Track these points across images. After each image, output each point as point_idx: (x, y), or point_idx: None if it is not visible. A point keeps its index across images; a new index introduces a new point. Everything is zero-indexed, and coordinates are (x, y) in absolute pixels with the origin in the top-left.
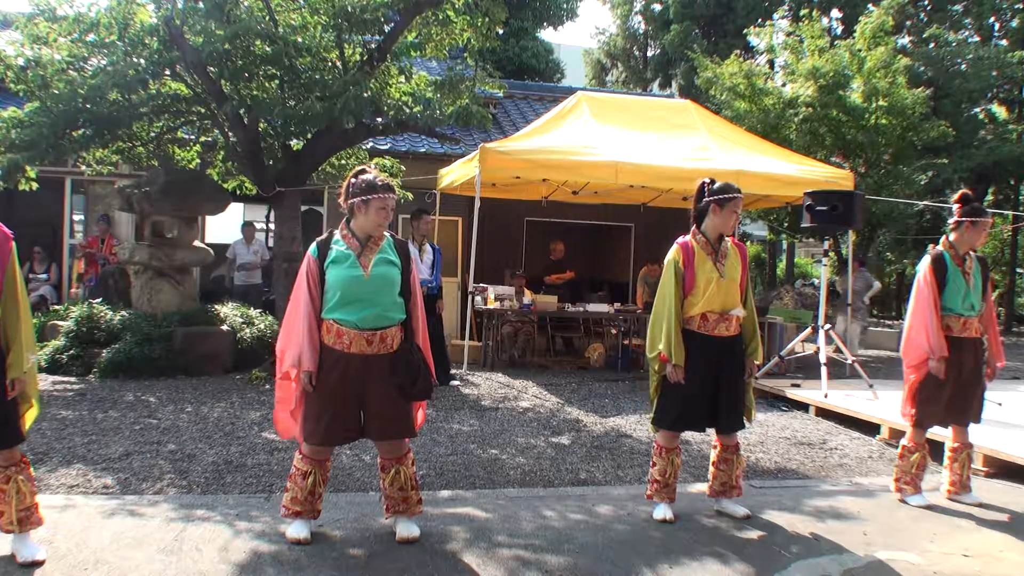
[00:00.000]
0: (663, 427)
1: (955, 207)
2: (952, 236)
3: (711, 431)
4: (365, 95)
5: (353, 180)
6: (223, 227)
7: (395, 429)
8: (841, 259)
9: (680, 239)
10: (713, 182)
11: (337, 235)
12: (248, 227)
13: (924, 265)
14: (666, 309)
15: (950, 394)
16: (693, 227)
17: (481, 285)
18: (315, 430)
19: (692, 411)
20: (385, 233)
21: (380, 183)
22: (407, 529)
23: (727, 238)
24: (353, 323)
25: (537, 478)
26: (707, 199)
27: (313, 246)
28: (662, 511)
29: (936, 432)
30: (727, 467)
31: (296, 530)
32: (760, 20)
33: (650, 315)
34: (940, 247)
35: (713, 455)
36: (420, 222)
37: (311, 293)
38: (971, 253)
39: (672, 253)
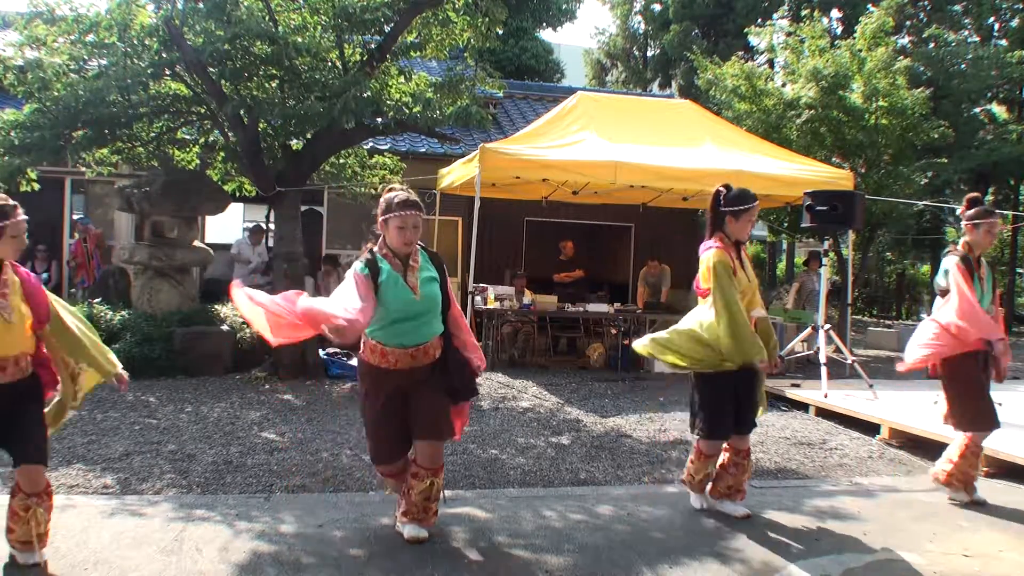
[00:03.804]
0: (715, 438)
1: (969, 212)
2: (969, 239)
3: None
4: (365, 95)
5: (382, 197)
6: (223, 227)
7: (436, 428)
8: (841, 259)
9: (712, 242)
10: (729, 189)
11: (378, 253)
12: (257, 230)
13: (952, 262)
14: (738, 313)
15: None
16: (718, 232)
17: (481, 285)
18: (377, 452)
19: (730, 417)
20: (420, 253)
21: (397, 201)
22: (416, 530)
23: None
24: (397, 343)
25: (537, 478)
26: (723, 209)
27: (361, 264)
28: (699, 501)
29: (937, 433)
30: (737, 471)
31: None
32: (760, 20)
33: (695, 321)
34: (960, 250)
35: (723, 458)
36: None
37: (365, 293)
38: (981, 258)
39: (716, 255)
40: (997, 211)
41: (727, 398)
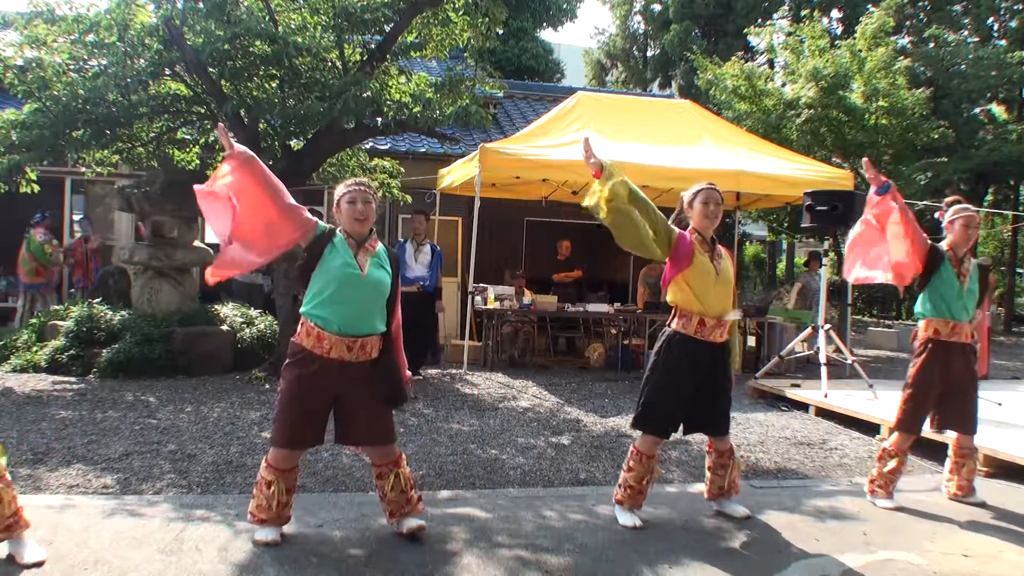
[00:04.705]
0: (650, 432)
1: (946, 212)
2: (950, 239)
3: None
4: (365, 95)
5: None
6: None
7: (377, 435)
8: (841, 259)
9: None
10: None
11: (337, 229)
12: None
13: None
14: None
15: (940, 394)
16: (690, 228)
17: (481, 285)
18: (281, 432)
19: (678, 417)
20: (379, 243)
21: (348, 181)
22: (411, 521)
23: (719, 246)
24: (336, 328)
25: (537, 478)
26: (684, 200)
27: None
28: (631, 518)
29: (936, 433)
30: (724, 472)
31: (265, 533)
32: (760, 20)
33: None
34: (941, 244)
35: (708, 461)
36: (412, 221)
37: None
38: (970, 257)
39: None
40: (967, 206)
41: (681, 391)
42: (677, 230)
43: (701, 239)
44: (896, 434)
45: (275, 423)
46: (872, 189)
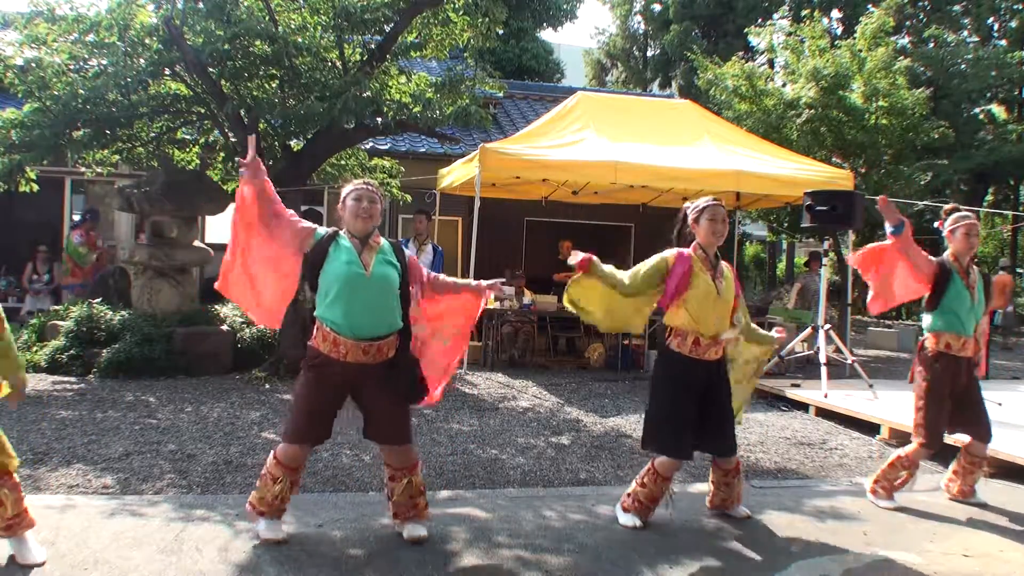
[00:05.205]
0: (670, 455)
1: (946, 222)
2: (952, 248)
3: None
4: (365, 95)
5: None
6: (223, 227)
7: (393, 435)
8: (841, 259)
9: (679, 250)
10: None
11: (341, 231)
12: None
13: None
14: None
15: (951, 406)
16: (694, 244)
17: None
18: (295, 429)
19: (686, 433)
20: (382, 239)
21: (354, 183)
22: (415, 529)
23: (722, 262)
24: (350, 333)
25: (537, 478)
26: (689, 215)
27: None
28: (631, 519)
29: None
30: (728, 489)
31: (268, 530)
32: (760, 20)
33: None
34: (945, 256)
35: (712, 475)
36: (414, 221)
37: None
38: (973, 267)
39: (666, 253)
40: (967, 213)
41: (682, 405)
42: (669, 255)
43: (704, 256)
44: (916, 446)
45: (290, 420)
46: (887, 227)
